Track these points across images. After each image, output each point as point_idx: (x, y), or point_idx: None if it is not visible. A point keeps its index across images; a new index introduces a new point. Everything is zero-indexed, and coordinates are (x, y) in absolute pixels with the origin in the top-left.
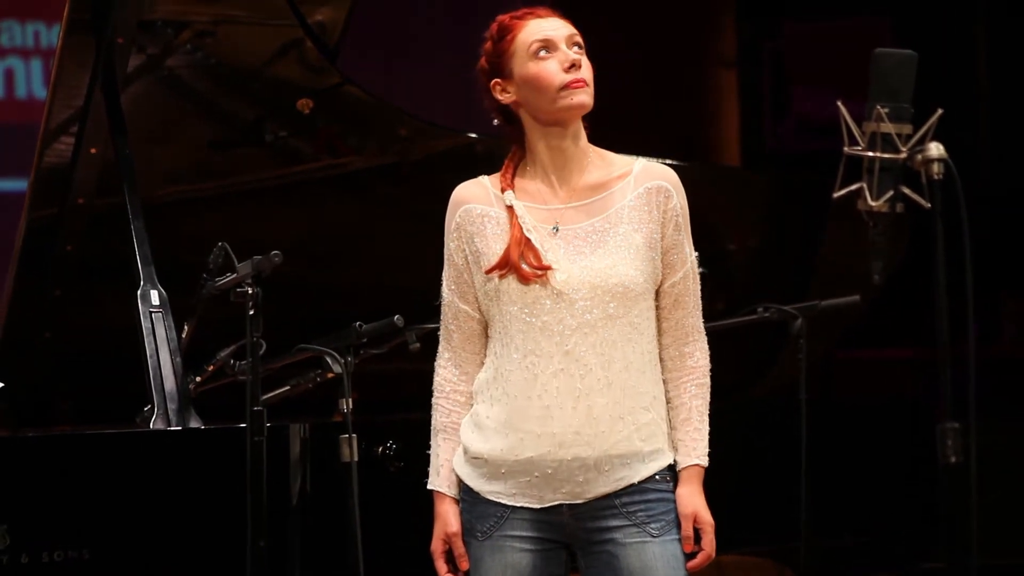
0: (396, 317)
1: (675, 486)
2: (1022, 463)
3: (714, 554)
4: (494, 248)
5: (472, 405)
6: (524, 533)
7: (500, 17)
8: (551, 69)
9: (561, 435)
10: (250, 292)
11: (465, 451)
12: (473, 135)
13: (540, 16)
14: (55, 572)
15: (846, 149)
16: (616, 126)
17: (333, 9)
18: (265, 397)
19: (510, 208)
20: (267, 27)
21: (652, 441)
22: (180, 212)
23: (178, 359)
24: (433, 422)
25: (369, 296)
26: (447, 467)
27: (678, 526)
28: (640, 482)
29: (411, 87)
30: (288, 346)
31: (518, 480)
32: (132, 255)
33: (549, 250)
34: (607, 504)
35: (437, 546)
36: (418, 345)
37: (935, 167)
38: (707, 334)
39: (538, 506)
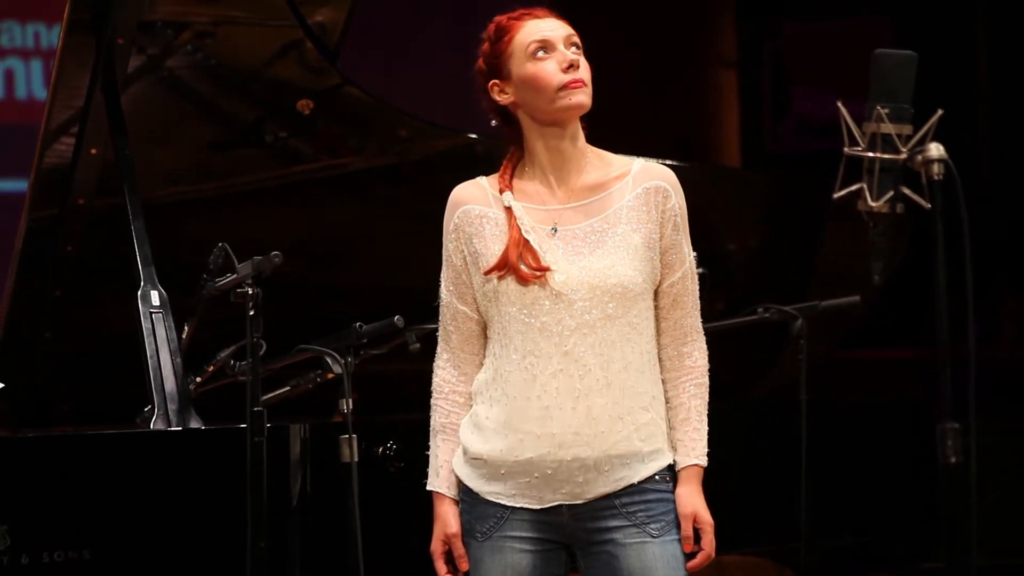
0: (396, 318)
1: (675, 486)
2: (1022, 463)
3: (714, 554)
4: (493, 249)
5: (471, 406)
6: (524, 534)
7: (497, 18)
8: (549, 69)
9: (561, 436)
10: (250, 293)
11: (464, 452)
12: (473, 135)
13: (538, 17)
14: (55, 573)
15: (846, 150)
16: (616, 127)
17: (333, 10)
18: (265, 397)
19: (508, 209)
20: (267, 28)
21: (651, 441)
22: (180, 213)
23: (178, 360)
24: (432, 423)
25: (369, 296)
26: (446, 468)
27: (678, 526)
28: (640, 482)
29: (411, 87)
30: (288, 347)
31: (518, 481)
32: (132, 256)
33: (548, 251)
34: (607, 504)
35: (437, 547)
36: (418, 345)
37: (935, 168)
38: (707, 335)
39: (538, 507)
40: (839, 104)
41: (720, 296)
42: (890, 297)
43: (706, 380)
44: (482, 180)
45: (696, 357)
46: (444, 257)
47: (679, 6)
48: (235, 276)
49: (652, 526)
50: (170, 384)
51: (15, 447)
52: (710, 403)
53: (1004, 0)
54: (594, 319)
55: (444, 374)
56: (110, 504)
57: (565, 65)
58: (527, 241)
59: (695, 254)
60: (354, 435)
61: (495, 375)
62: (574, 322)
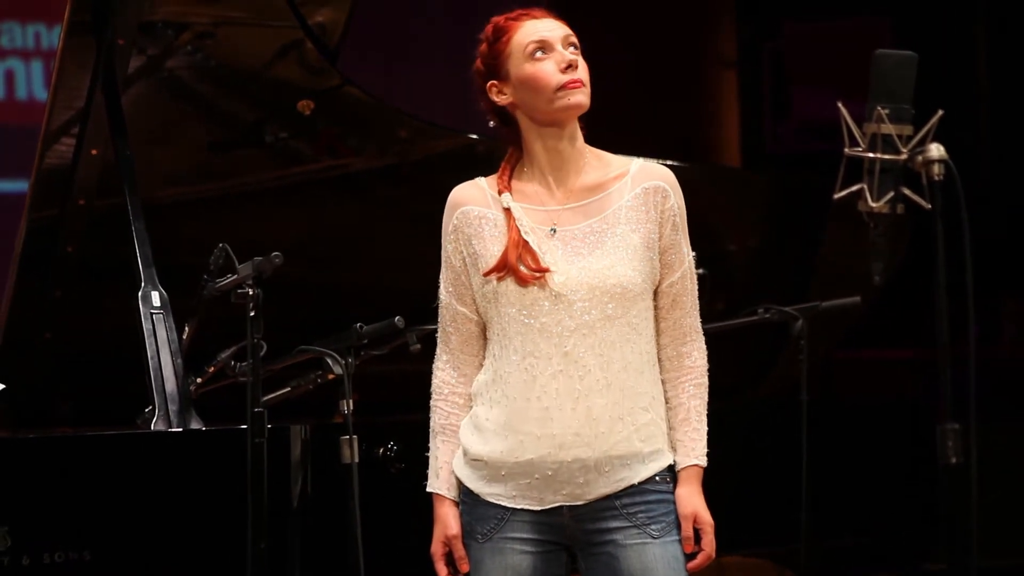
0: (397, 318)
1: (675, 486)
2: (1022, 463)
3: (714, 554)
4: (492, 250)
5: (471, 407)
6: (524, 535)
7: (495, 19)
8: (548, 70)
9: (561, 436)
10: (251, 293)
11: (465, 453)
12: (473, 136)
13: (535, 17)
14: (56, 574)
15: (847, 150)
16: (616, 127)
17: (333, 10)
18: (266, 398)
19: (507, 210)
20: (267, 28)
21: (652, 442)
22: (181, 213)
23: (179, 360)
24: (432, 424)
25: (370, 297)
26: (446, 469)
27: (678, 527)
28: (640, 483)
29: (411, 88)
30: (289, 347)
31: (518, 482)
32: (133, 256)
33: (547, 252)
34: (607, 505)
35: (437, 549)
36: (419, 346)
37: (935, 168)
38: (708, 335)
39: (538, 508)
40: (839, 105)
41: (720, 297)
42: (890, 297)
43: (705, 380)
44: (481, 181)
45: (695, 357)
46: (443, 258)
47: (679, 6)
48: (236, 277)
49: (653, 527)
50: (171, 385)
51: (15, 448)
52: (711, 404)
53: (1004, 0)
54: (594, 320)
55: (443, 375)
56: (111, 505)
57: (563, 65)
58: (526, 242)
59: (694, 254)
60: (355, 436)
61: (495, 376)
62: (574, 323)
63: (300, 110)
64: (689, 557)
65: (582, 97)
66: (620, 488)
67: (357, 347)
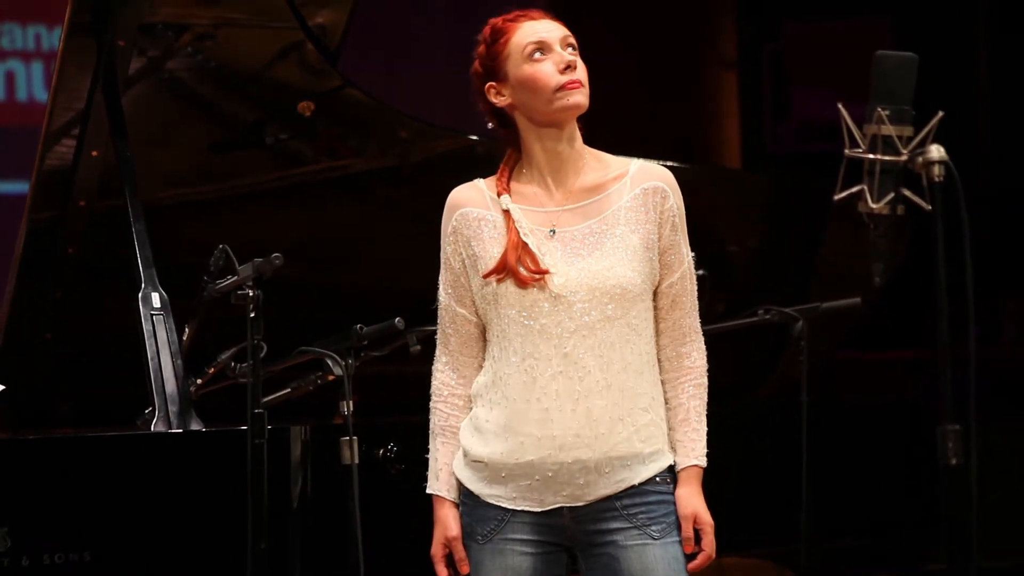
0: (397, 319)
1: (675, 487)
2: (1022, 463)
3: (714, 554)
4: (491, 252)
5: (471, 408)
6: (525, 536)
7: (492, 20)
8: (547, 70)
9: (561, 438)
10: (251, 294)
11: (465, 454)
12: (473, 137)
13: (533, 18)
14: (56, 574)
15: (847, 151)
16: (616, 128)
17: (334, 11)
18: (266, 399)
19: (506, 212)
20: (267, 30)
21: (652, 442)
22: (181, 214)
23: (179, 361)
24: (431, 425)
25: (370, 298)
26: (446, 471)
27: (679, 528)
28: (640, 484)
29: (412, 88)
30: (289, 348)
31: (519, 484)
32: (133, 257)
33: (546, 253)
34: (608, 506)
35: (437, 550)
36: (419, 347)
37: (936, 169)
38: (708, 336)
39: (539, 509)
40: (840, 106)
41: (720, 297)
42: (891, 298)
43: (705, 380)
44: (480, 182)
45: (695, 357)
46: (442, 260)
47: (679, 7)
48: (236, 278)
49: (653, 528)
50: (171, 386)
51: (15, 449)
52: (711, 405)
53: (1004, 0)
54: (593, 321)
55: (443, 377)
56: (111, 506)
57: (562, 66)
58: (525, 244)
59: (693, 255)
60: (355, 437)
61: (494, 378)
62: (573, 324)
63: (300, 111)
64: (689, 558)
65: (581, 97)
66: (620, 489)
67: (357, 348)
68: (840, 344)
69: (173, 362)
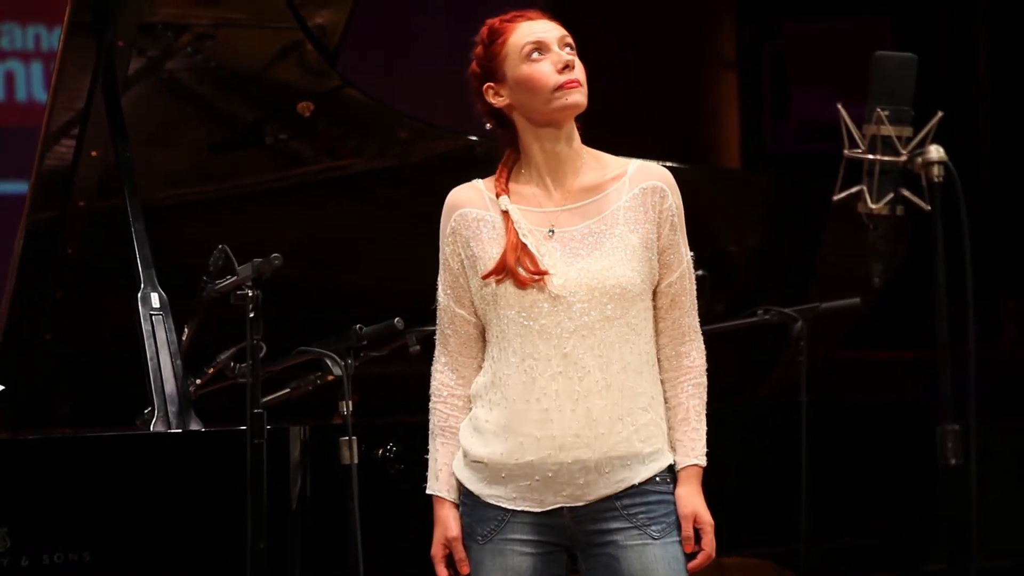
0: (396, 320)
1: (675, 487)
2: (1022, 464)
3: (714, 554)
4: (490, 252)
5: (470, 409)
6: (525, 536)
7: (489, 21)
8: (545, 70)
9: (561, 438)
10: (250, 295)
11: (465, 455)
12: (473, 137)
13: (531, 18)
14: (56, 574)
15: (846, 152)
16: (616, 127)
17: (333, 12)
18: (265, 399)
19: (505, 213)
20: (267, 30)
21: (651, 442)
22: (180, 215)
23: (178, 361)
24: (431, 426)
25: (369, 298)
26: (446, 471)
27: (679, 527)
28: (640, 483)
29: (411, 88)
30: (288, 348)
31: (519, 484)
32: (132, 257)
33: (545, 254)
34: (608, 506)
35: (437, 551)
36: (418, 347)
37: (935, 170)
38: (708, 336)
39: (539, 509)
40: (839, 107)
41: (720, 297)
42: (890, 298)
43: (704, 380)
44: (478, 183)
45: (694, 357)
46: (441, 261)
47: (679, 6)
48: (235, 278)
49: (653, 528)
50: (170, 386)
51: (15, 449)
52: (711, 404)
53: (1004, 0)
54: (593, 321)
55: (442, 377)
56: (110, 506)
57: (560, 66)
58: (524, 245)
59: (693, 254)
60: (354, 437)
61: (494, 378)
62: (573, 324)
63: (300, 112)
64: (689, 557)
65: (579, 97)
66: (620, 489)
67: (356, 348)
68: (840, 344)
69: (172, 362)
